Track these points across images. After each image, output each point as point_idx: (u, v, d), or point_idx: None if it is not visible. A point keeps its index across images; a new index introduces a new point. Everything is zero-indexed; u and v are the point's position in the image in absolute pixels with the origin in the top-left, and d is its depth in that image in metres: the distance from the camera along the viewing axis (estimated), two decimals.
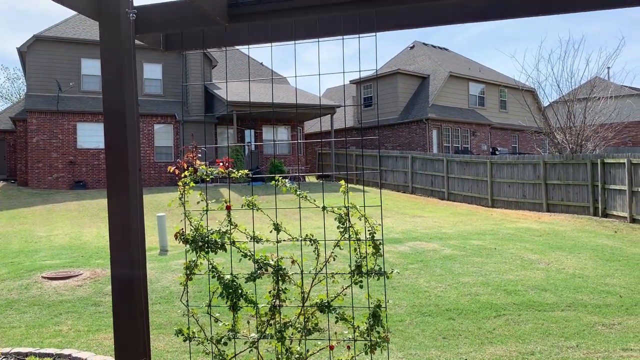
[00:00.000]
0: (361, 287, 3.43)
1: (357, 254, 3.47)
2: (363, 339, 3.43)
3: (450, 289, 7.94)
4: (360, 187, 27.47)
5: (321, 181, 28.97)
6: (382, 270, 3.41)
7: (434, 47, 40.08)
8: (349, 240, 3.45)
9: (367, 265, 3.43)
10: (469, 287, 7.98)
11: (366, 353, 3.41)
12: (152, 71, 28.09)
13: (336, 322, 3.46)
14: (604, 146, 19.58)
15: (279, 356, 3.53)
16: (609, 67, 23.28)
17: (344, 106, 31.92)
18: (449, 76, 33.91)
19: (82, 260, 10.93)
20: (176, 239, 3.62)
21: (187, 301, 3.67)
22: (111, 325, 7.20)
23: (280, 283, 3.52)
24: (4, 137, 30.94)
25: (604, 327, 6.03)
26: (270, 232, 3.52)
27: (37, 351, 5.52)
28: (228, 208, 3.55)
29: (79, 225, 15.85)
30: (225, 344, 3.56)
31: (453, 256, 10.35)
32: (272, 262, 3.51)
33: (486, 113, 36.35)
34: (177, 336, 3.63)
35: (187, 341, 3.62)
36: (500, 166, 20.73)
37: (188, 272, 3.60)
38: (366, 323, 3.41)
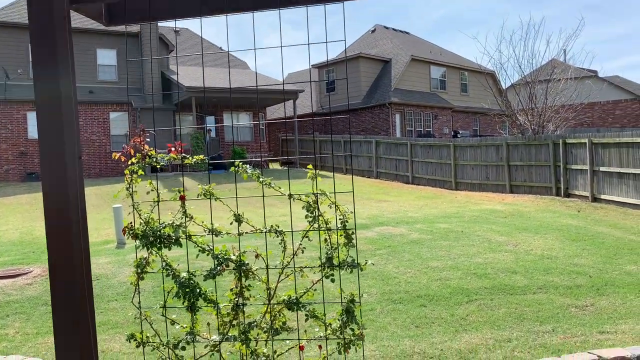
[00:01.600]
0: (332, 281, 3.12)
1: (327, 245, 3.16)
2: (336, 337, 3.13)
3: (419, 274, 7.75)
4: (327, 173, 27.21)
5: (285, 168, 28.57)
6: (356, 261, 3.11)
7: (396, 30, 39.95)
8: (319, 230, 3.13)
9: (338, 257, 3.12)
10: (439, 272, 7.81)
11: (339, 352, 3.12)
12: (106, 57, 27.02)
13: (306, 320, 3.14)
14: (565, 127, 19.82)
15: (244, 358, 3.21)
16: (565, 50, 23.52)
17: (311, 81, 31.51)
18: (411, 60, 33.85)
19: (34, 256, 10.31)
20: (124, 234, 3.23)
21: (140, 302, 3.29)
22: None
23: (244, 279, 3.18)
24: None
25: (577, 309, 5.92)
26: (231, 223, 3.17)
27: None
28: (182, 198, 3.18)
29: (31, 219, 15.07)
30: (183, 348, 3.20)
31: (420, 240, 10.19)
32: (233, 257, 3.16)
33: (448, 96, 36.53)
34: (129, 342, 3.26)
35: (141, 347, 3.25)
36: (464, 149, 20.77)
37: (139, 271, 3.23)
38: (339, 320, 3.11)
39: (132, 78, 27.45)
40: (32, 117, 24.68)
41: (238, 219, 3.15)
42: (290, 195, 3.09)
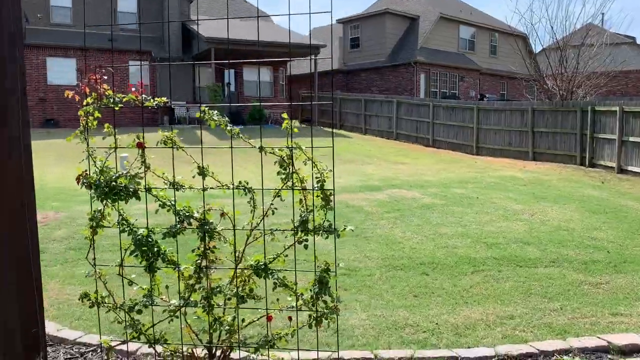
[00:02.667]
0: (306, 247, 2.75)
1: (302, 206, 2.78)
2: (308, 309, 2.79)
3: (426, 240, 7.37)
4: (345, 132, 26.70)
5: (304, 126, 28.09)
6: (333, 226, 2.73)
7: None
8: (292, 189, 2.75)
9: (314, 221, 2.75)
10: (447, 239, 7.42)
11: (310, 326, 2.78)
12: (126, 4, 26.49)
13: (274, 288, 2.80)
14: (595, 94, 18.88)
15: (208, 327, 2.89)
16: (603, 14, 22.26)
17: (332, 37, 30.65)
18: (440, 18, 32.60)
19: (38, 203, 10.15)
20: (78, 183, 2.90)
21: (94, 259, 2.98)
22: (52, 276, 6.58)
23: (208, 240, 2.84)
24: None
25: (590, 286, 5.50)
26: (193, 177, 2.80)
27: None
28: (139, 145, 2.82)
29: (43, 165, 14.99)
30: (140, 312, 2.90)
31: (432, 205, 9.77)
32: (197, 215, 2.81)
33: (476, 58, 35.29)
34: (82, 301, 2.97)
35: (95, 307, 2.96)
36: (487, 112, 20.01)
37: (93, 225, 2.90)
38: (311, 291, 2.76)
39: (152, 27, 26.94)
40: (52, 63, 24.49)
41: (202, 172, 2.78)
42: (261, 148, 2.70)
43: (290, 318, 2.88)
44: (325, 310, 2.75)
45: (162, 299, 2.93)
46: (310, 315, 2.80)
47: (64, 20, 25.30)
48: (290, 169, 2.73)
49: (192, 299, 2.88)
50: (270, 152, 2.73)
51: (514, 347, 3.74)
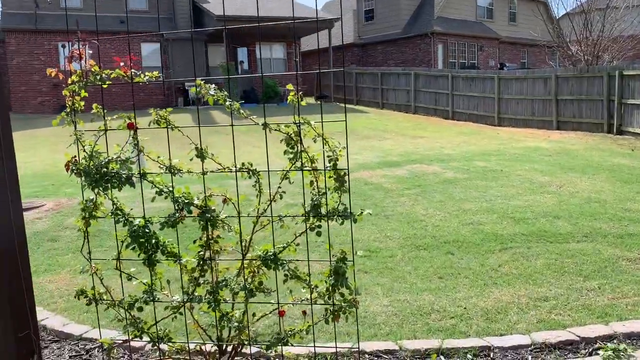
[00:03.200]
0: (318, 234, 2.46)
1: (314, 189, 2.48)
2: (323, 302, 2.50)
3: (450, 217, 7.04)
4: (362, 107, 26.22)
5: (319, 102, 27.66)
6: (348, 210, 2.43)
7: None
8: (301, 170, 2.44)
9: (327, 205, 2.45)
10: (472, 215, 7.07)
11: (326, 322, 2.50)
12: None
13: (285, 281, 2.52)
14: (622, 58, 18.10)
15: (216, 324, 2.63)
16: None
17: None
18: None
19: (52, 189, 10.08)
20: (67, 170, 2.63)
21: (90, 253, 2.73)
22: (63, 265, 6.41)
23: (211, 229, 2.56)
24: None
25: (629, 262, 5.14)
26: (191, 159, 2.51)
27: None
28: (130, 126, 2.53)
29: (58, 151, 14.89)
30: (140, 309, 2.65)
31: (455, 180, 9.41)
32: (197, 202, 2.52)
33: (494, 26, 34.27)
34: (79, 298, 2.73)
35: (93, 304, 2.72)
36: (509, 81, 19.36)
37: (86, 216, 2.64)
38: (326, 282, 2.47)
39: (162, 7, 26.57)
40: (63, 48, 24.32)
41: (201, 154, 2.48)
42: (264, 125, 2.39)
43: (304, 312, 2.60)
44: (342, 304, 2.47)
45: (164, 294, 2.68)
46: (326, 309, 2.52)
47: (75, 4, 25.05)
48: (299, 147, 2.42)
49: (196, 294, 2.62)
50: (276, 130, 2.42)
51: (552, 334, 3.43)
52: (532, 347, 3.31)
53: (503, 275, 4.92)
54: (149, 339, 2.70)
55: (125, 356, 3.33)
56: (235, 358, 2.91)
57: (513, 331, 3.65)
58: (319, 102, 27.25)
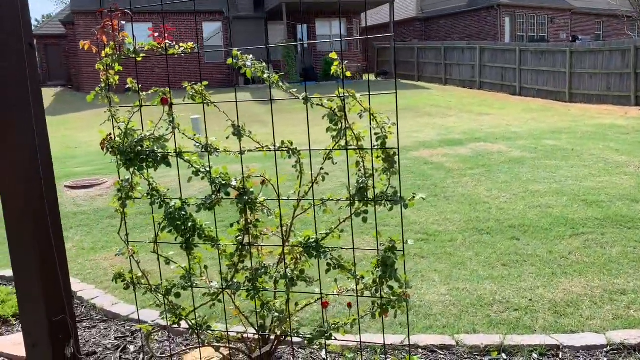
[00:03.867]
0: (364, 220, 2.22)
1: (359, 170, 2.24)
2: (370, 295, 2.28)
3: (516, 199, 6.60)
4: (424, 84, 25.49)
5: (380, 79, 27.11)
6: (398, 194, 2.18)
7: None
8: (346, 149, 2.20)
9: (374, 188, 2.21)
10: (539, 197, 6.61)
11: (373, 317, 2.28)
12: None
13: (327, 271, 2.31)
14: None
15: (255, 313, 2.47)
16: None
17: None
18: None
19: (113, 166, 10.28)
20: (103, 148, 2.51)
21: (127, 235, 2.62)
22: (119, 243, 6.49)
23: (249, 213, 2.38)
24: (60, 43, 30.72)
25: None
26: (227, 137, 2.33)
27: None
28: (164, 102, 2.37)
29: None
30: (178, 295, 2.52)
31: (522, 159, 8.87)
32: (234, 183, 2.34)
33: None
34: (116, 282, 2.63)
35: (131, 289, 2.62)
36: (582, 55, 18.16)
37: (122, 196, 2.52)
38: (373, 274, 2.24)
39: None
40: (128, 29, 24.88)
41: (238, 131, 2.29)
42: (306, 99, 2.16)
43: (349, 305, 2.39)
44: (391, 297, 2.23)
45: (202, 279, 2.53)
46: (373, 302, 2.29)
47: None
48: (343, 124, 2.17)
49: (235, 281, 2.46)
50: (318, 104, 2.18)
51: (631, 334, 3.06)
52: (608, 348, 2.96)
53: (574, 264, 4.51)
54: (187, 326, 2.57)
55: (173, 338, 3.25)
56: (279, 347, 2.75)
57: (585, 328, 3.30)
58: (379, 79, 26.72)
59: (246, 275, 2.43)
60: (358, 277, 2.28)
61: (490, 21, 29.08)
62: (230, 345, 2.73)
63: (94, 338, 3.40)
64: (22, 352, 3.22)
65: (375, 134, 2.13)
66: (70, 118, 19.32)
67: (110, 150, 2.46)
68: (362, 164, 2.22)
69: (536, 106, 17.64)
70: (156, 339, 3.33)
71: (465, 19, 30.29)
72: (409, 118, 15.88)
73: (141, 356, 3.07)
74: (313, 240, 2.27)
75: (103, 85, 2.49)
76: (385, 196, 2.19)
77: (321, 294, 2.37)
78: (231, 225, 2.41)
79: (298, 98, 2.19)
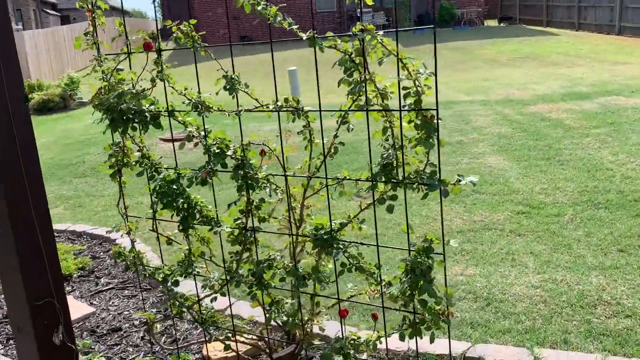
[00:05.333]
0: (389, 209, 1.61)
1: (385, 140, 1.62)
2: (398, 307, 1.69)
3: None
4: (553, 29, 22.97)
5: (503, 25, 24.87)
6: (437, 176, 1.53)
7: None
8: (366, 110, 1.59)
9: (403, 164, 1.58)
10: None
11: (401, 338, 1.69)
12: None
13: (341, 272, 1.74)
14: None
15: (265, 310, 1.99)
16: None
17: None
18: None
19: (207, 121, 10.24)
20: (92, 104, 2.10)
21: (126, 208, 2.23)
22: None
23: (250, 191, 1.86)
24: None
25: None
26: (217, 94, 1.81)
27: (90, 230, 4.77)
28: (147, 47, 1.88)
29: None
30: (176, 283, 2.10)
31: None
32: (229, 152, 1.83)
33: None
34: (116, 261, 2.27)
35: (131, 271, 2.25)
36: None
37: (115, 162, 2.11)
38: (400, 282, 1.64)
39: None
40: None
41: (231, 82, 1.75)
42: (312, 40, 1.56)
43: (374, 317, 1.81)
44: (426, 316, 1.62)
45: (202, 267, 2.09)
46: (404, 317, 1.70)
47: None
48: (363, 74, 1.55)
49: (241, 272, 1.98)
50: (329, 46, 1.57)
51: None
52: None
53: None
54: (191, 319, 2.16)
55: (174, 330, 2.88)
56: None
57: None
58: (502, 25, 24.55)
59: (249, 267, 1.94)
60: (383, 284, 1.69)
61: None
62: (247, 340, 2.29)
63: (127, 311, 3.15)
64: None
65: (405, 88, 1.48)
66: (186, 70, 19.80)
67: (97, 106, 2.05)
68: (390, 131, 1.59)
69: None
70: (189, 319, 2.99)
71: None
72: (530, 67, 14.29)
73: (163, 338, 2.74)
74: (324, 231, 1.71)
75: (90, 29, 2.06)
76: (419, 177, 1.55)
77: (338, 299, 1.82)
78: (228, 207, 1.91)
79: (302, 39, 1.59)
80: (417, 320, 1.65)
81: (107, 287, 3.48)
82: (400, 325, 1.71)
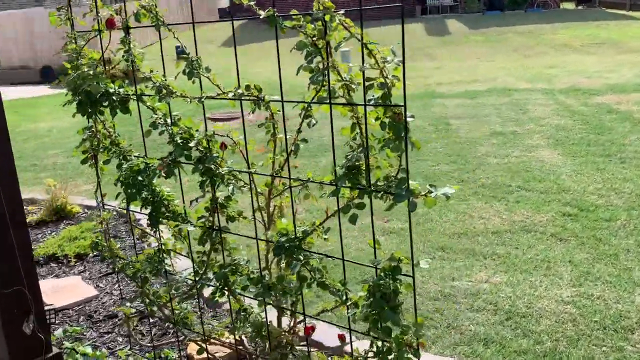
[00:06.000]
0: (352, 220, 1.39)
1: (353, 140, 1.39)
2: (365, 332, 1.47)
3: None
4: (637, 14, 21.31)
5: (580, 8, 23.36)
6: (405, 185, 1.29)
7: None
8: (329, 103, 1.36)
9: (368, 169, 1.35)
10: None
11: None
12: None
13: (299, 288, 1.53)
14: None
15: (232, 318, 1.82)
16: None
17: None
18: None
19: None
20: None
21: (102, 197, 2.10)
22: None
23: (214, 187, 1.68)
24: None
25: None
26: (175, 78, 1.62)
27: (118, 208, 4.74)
28: (110, 24, 1.71)
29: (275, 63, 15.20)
30: (146, 280, 1.96)
31: None
32: (192, 144, 1.66)
33: None
34: (92, 251, 2.16)
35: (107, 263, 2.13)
36: None
37: (90, 147, 1.98)
38: (365, 306, 1.42)
39: None
40: None
41: (191, 66, 1.56)
42: (272, 19, 1.34)
43: (341, 338, 1.59)
44: (392, 343, 1.39)
45: (169, 265, 1.93)
46: (372, 342, 1.48)
47: None
48: (325, 61, 1.31)
49: (209, 274, 1.82)
50: (291, 27, 1.34)
51: None
52: None
53: None
54: (163, 316, 2.02)
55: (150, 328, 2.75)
56: None
57: None
58: (579, 8, 23.08)
59: (215, 270, 1.76)
60: (349, 303, 1.47)
61: None
62: (226, 344, 2.13)
63: (128, 296, 3.07)
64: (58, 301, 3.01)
65: (369, 79, 1.24)
66: (249, 48, 19.82)
67: (66, 88, 1.92)
68: (358, 128, 1.35)
69: None
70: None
71: None
72: (605, 54, 13.30)
73: (154, 330, 2.63)
74: (287, 239, 1.50)
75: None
76: (389, 183, 1.31)
77: (304, 314, 1.61)
78: (190, 203, 1.74)
79: (259, 16, 1.37)
80: (384, 349, 1.42)
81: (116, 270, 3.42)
82: (365, 351, 1.49)
